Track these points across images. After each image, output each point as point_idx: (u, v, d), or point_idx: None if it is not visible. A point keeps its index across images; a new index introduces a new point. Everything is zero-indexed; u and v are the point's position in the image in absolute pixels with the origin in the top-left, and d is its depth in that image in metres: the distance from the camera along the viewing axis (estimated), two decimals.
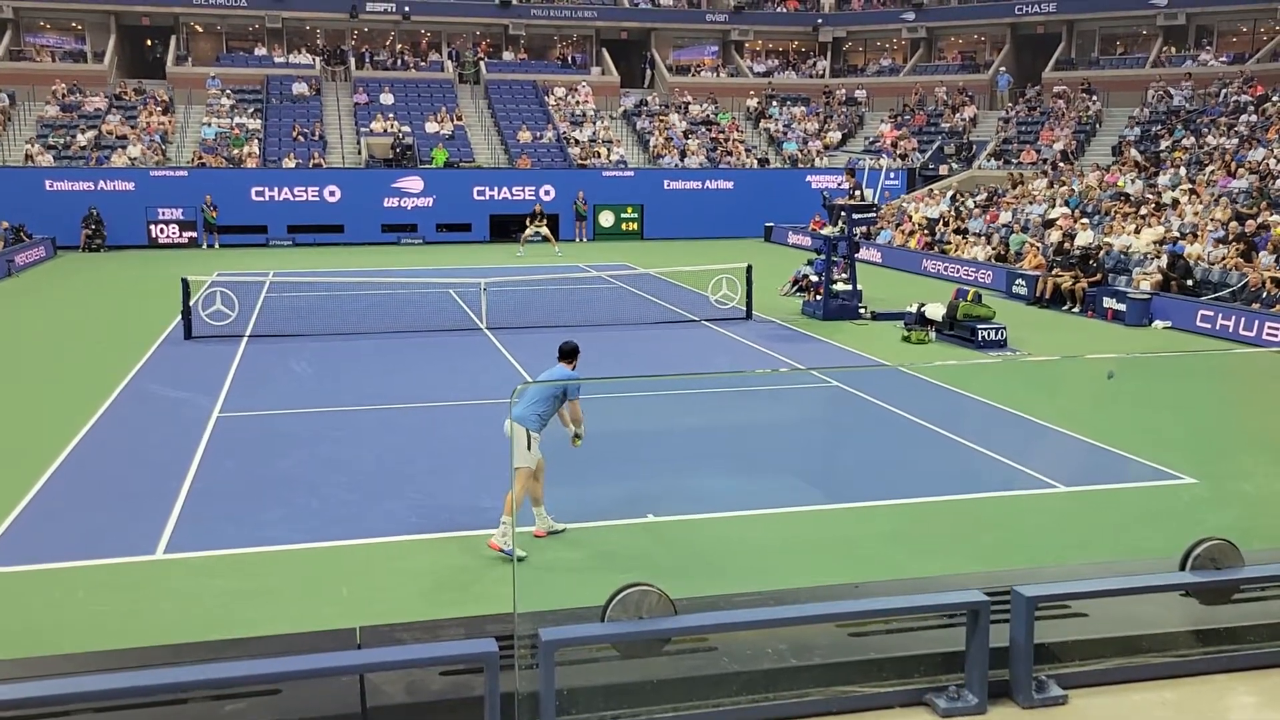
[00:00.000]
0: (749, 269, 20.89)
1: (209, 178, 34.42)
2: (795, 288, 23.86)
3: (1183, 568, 3.52)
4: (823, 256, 21.51)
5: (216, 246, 33.71)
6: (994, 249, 27.21)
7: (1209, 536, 3.53)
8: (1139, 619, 3.58)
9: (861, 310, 20.72)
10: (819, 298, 21.01)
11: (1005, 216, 29.46)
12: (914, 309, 19.05)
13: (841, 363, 16.83)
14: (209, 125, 38.08)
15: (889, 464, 11.45)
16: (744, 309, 20.62)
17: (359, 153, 38.30)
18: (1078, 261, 22.64)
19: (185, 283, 18.40)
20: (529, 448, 8.47)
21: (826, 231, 21.92)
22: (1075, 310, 21.87)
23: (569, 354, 9.13)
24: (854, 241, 21.32)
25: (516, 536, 8.94)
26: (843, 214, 21.06)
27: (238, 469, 10.97)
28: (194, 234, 33.95)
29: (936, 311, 18.70)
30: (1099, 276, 22.14)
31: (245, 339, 18.11)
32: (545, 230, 32.40)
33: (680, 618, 3.05)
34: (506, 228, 36.30)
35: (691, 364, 16.55)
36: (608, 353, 16.91)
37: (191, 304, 18.52)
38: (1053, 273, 22.90)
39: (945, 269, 27.30)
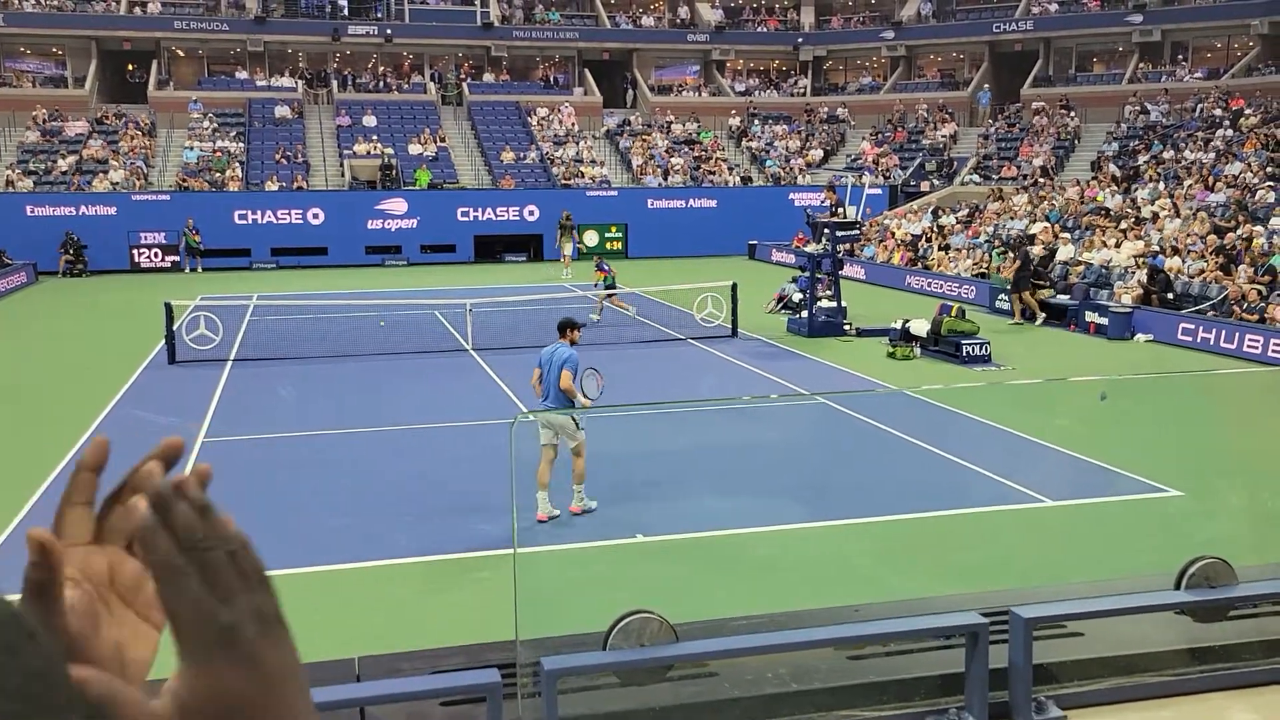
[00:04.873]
0: (734, 287, 20.96)
1: (191, 201, 34.32)
2: (780, 305, 23.92)
3: (1178, 586, 3.55)
4: (807, 274, 21.60)
5: (199, 270, 33.58)
6: (977, 264, 27.37)
7: (1203, 555, 3.56)
8: (1135, 638, 3.61)
9: (846, 327, 20.80)
10: (804, 315, 21.08)
11: (988, 231, 29.64)
12: (898, 325, 19.15)
13: (829, 380, 16.88)
14: (191, 149, 38.00)
15: (878, 480, 11.50)
16: (729, 327, 20.67)
17: (342, 175, 38.27)
18: (1023, 266, 22.77)
19: (168, 307, 18.32)
20: (579, 427, 9.79)
21: (810, 249, 22.01)
22: (1054, 323, 22.01)
23: (562, 329, 10.44)
24: (837, 258, 21.42)
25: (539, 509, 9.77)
26: (826, 231, 21.17)
27: (224, 495, 10.83)
28: (176, 258, 33.82)
29: (921, 327, 18.80)
30: (1047, 285, 22.40)
31: (229, 363, 18.03)
32: (566, 251, 32.23)
33: (682, 644, 3.06)
34: (491, 248, 36.31)
35: (678, 383, 16.60)
36: (605, 372, 16.95)
37: (175, 328, 18.44)
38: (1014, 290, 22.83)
39: (929, 285, 27.41)
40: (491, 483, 10.69)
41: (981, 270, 26.65)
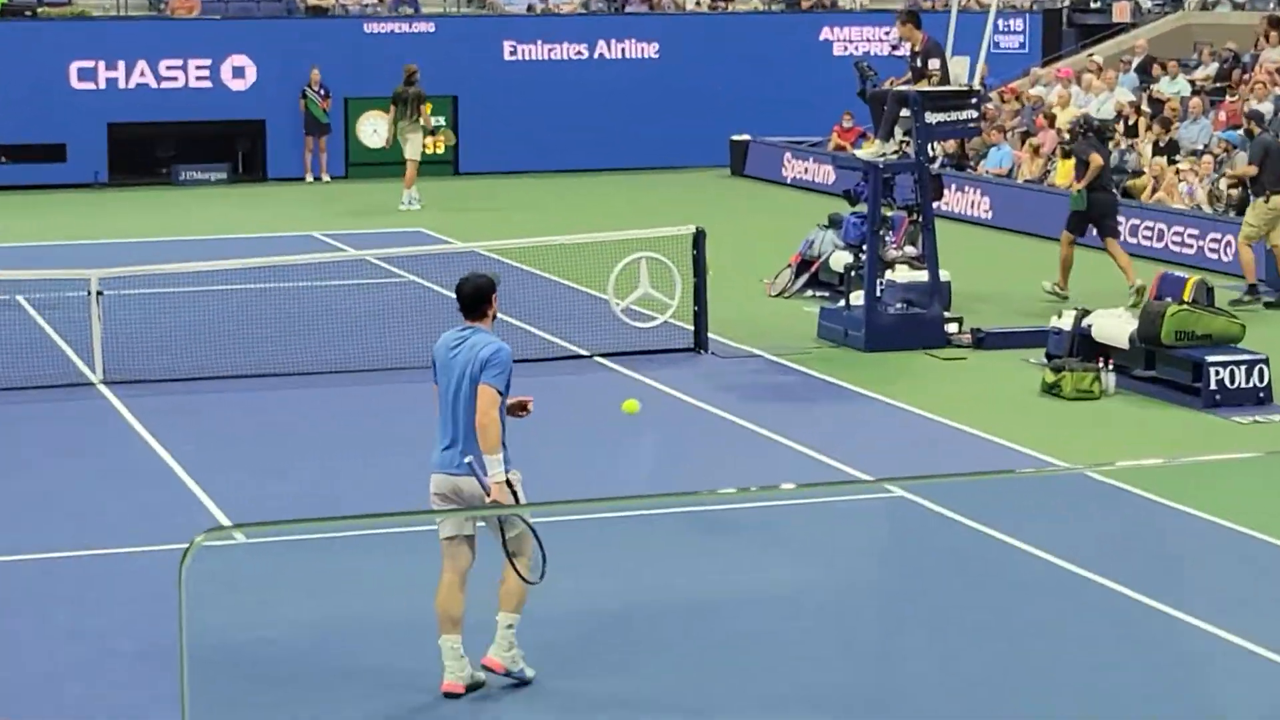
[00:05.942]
0: (698, 239, 20.97)
1: None
2: (803, 279, 23.99)
3: None
4: (860, 208, 21.70)
5: None
6: (1235, 185, 27.59)
7: None
8: None
9: (951, 328, 20.89)
10: (853, 302, 21.19)
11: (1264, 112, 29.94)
12: (1066, 323, 19.28)
13: (914, 447, 16.84)
14: None
15: (1025, 669, 11.49)
16: (689, 329, 20.71)
17: None
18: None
19: None
20: (519, 498, 10.64)
21: (868, 152, 22.04)
22: None
23: (476, 300, 10.91)
24: (930, 174, 21.52)
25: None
26: (905, 113, 21.30)
27: None
28: None
29: (1116, 327, 18.88)
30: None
31: None
32: (411, 153, 32.48)
33: None
34: (148, 155, 35.94)
35: (580, 456, 16.42)
36: (393, 441, 16.86)
37: None
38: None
39: (1134, 232, 27.61)
40: (142, 675, 10.53)
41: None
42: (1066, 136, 27.36)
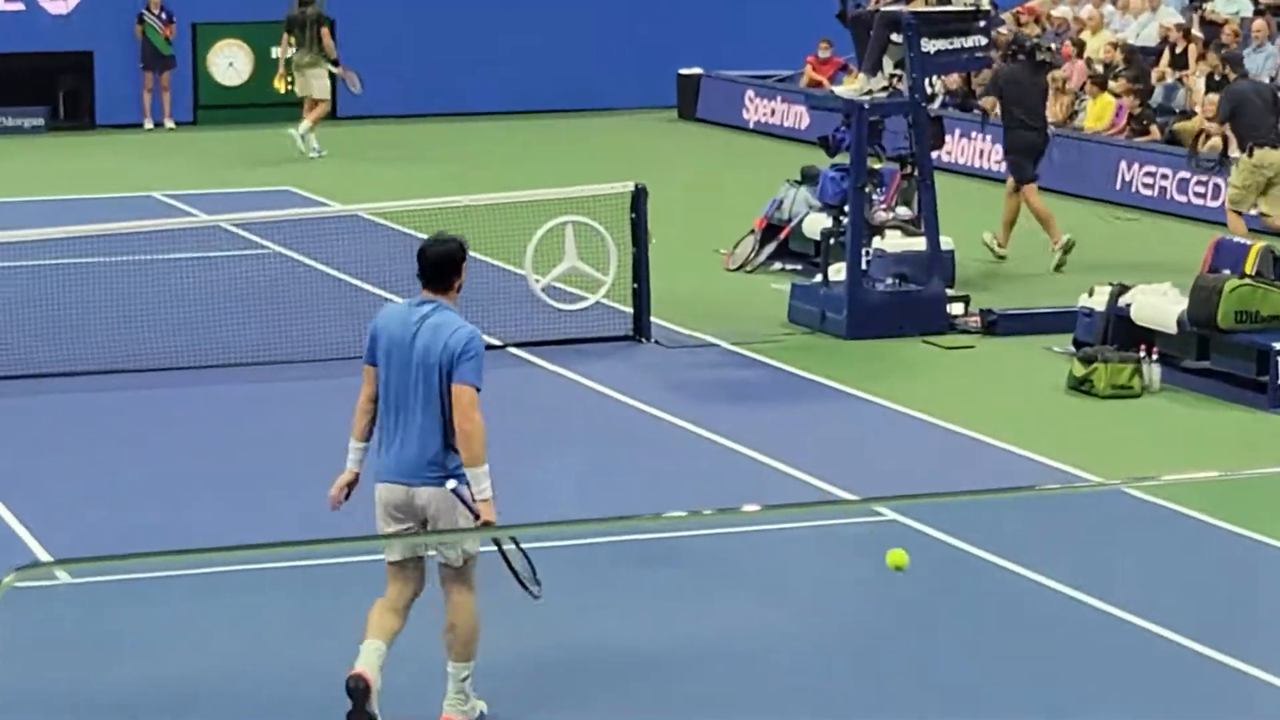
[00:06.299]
0: (637, 199, 20.98)
1: None
2: (768, 248, 24.01)
3: None
4: (842, 159, 21.69)
5: None
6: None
7: None
8: None
9: (955, 309, 20.99)
10: (833, 279, 21.20)
11: None
12: (1099, 302, 19.34)
13: (907, 457, 16.86)
14: None
15: None
16: (627, 312, 20.76)
17: None
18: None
19: None
20: (473, 497, 10.59)
21: (850, 89, 22.07)
22: None
23: (443, 268, 11.00)
24: (928, 116, 21.58)
25: None
26: (894, 38, 21.29)
27: None
28: None
29: (1160, 309, 18.94)
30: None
31: None
32: (315, 90, 32.48)
33: None
34: None
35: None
36: (254, 452, 16.88)
37: None
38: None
39: (1181, 188, 27.64)
40: None
41: None
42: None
